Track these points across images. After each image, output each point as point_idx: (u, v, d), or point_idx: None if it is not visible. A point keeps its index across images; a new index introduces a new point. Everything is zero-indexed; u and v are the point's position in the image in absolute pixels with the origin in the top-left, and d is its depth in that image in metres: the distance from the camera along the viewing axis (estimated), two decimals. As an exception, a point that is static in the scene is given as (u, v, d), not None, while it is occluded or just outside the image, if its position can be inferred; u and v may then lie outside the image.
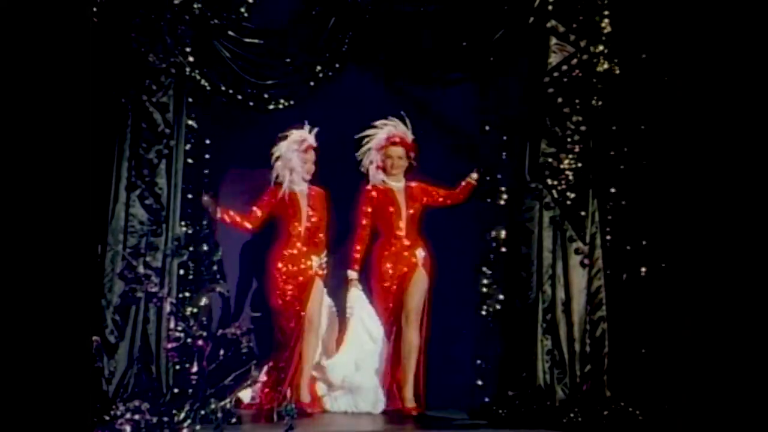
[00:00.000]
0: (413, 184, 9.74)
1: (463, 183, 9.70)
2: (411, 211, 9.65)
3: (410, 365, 9.40)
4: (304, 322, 9.21)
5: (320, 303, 9.35)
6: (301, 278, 9.33)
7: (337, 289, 9.63)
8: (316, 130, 9.38)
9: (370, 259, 9.65)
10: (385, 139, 9.64)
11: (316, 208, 9.49)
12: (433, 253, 9.66)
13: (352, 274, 9.58)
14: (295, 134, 9.38)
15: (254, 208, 9.38)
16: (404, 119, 9.63)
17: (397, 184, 9.68)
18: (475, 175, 9.66)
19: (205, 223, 8.79)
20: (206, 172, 8.94)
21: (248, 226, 9.39)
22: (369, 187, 9.68)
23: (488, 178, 9.59)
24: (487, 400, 9.26)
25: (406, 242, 9.60)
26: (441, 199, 9.77)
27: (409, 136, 9.66)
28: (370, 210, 9.64)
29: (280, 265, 9.35)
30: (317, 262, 9.39)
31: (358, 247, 9.60)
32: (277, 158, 9.39)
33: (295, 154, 9.37)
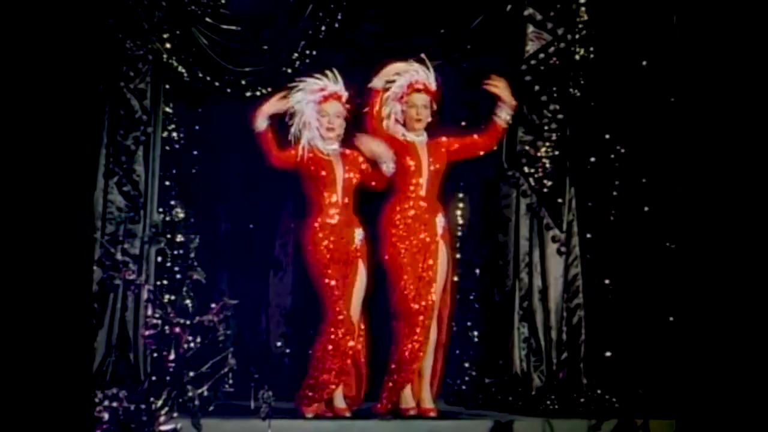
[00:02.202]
0: (436, 139, 8.50)
1: (492, 125, 8.53)
2: (433, 168, 8.37)
3: (428, 363, 8.31)
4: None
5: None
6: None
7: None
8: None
9: (378, 224, 8.40)
10: (407, 86, 8.39)
11: (352, 172, 8.27)
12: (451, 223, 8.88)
13: None
14: (311, 81, 8.32)
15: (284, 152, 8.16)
16: (425, 63, 8.49)
17: (419, 138, 8.43)
18: (504, 115, 8.49)
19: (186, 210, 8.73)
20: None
21: (273, 160, 8.19)
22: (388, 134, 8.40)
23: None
24: (464, 387, 9.28)
25: (424, 204, 8.35)
26: (466, 148, 8.52)
27: (433, 83, 8.47)
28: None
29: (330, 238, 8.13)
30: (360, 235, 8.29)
31: None
32: (292, 114, 8.29)
33: (309, 105, 8.26)
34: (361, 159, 8.31)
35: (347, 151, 8.31)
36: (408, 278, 8.17)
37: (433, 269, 8.26)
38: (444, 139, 8.50)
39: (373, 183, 8.36)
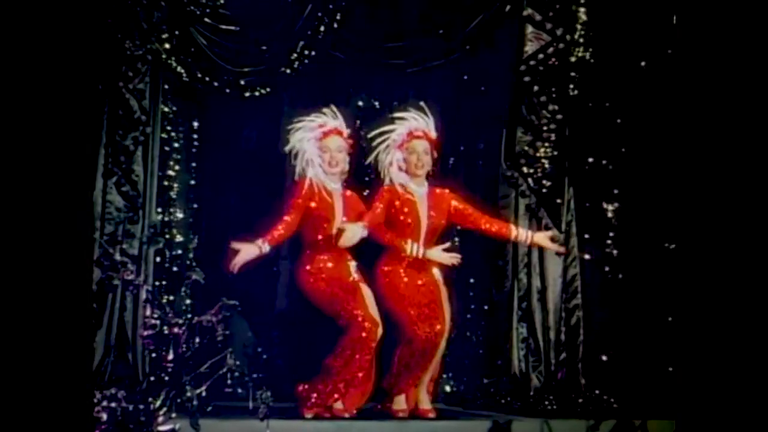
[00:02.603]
0: (439, 190, 8.50)
1: (507, 230, 8.56)
2: (433, 223, 8.35)
3: (432, 367, 8.33)
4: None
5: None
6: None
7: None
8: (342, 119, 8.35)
9: (374, 274, 8.38)
10: (407, 134, 8.39)
11: (351, 216, 8.26)
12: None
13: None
14: (309, 119, 8.35)
15: (284, 217, 8.15)
16: (424, 110, 8.49)
17: (420, 189, 8.39)
18: (532, 240, 8.60)
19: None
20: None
21: (284, 234, 8.17)
22: (386, 186, 8.39)
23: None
24: (462, 387, 9.29)
25: (419, 260, 8.32)
26: (472, 223, 8.50)
27: (432, 131, 8.47)
28: (381, 206, 8.29)
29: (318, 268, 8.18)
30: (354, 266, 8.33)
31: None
32: (296, 152, 8.34)
33: (310, 143, 8.29)
34: (360, 203, 8.39)
35: (348, 193, 8.38)
36: (412, 308, 8.16)
37: (436, 303, 8.25)
38: (448, 192, 8.50)
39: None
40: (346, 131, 8.34)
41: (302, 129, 8.31)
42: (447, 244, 8.42)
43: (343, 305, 8.03)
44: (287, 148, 8.38)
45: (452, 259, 8.38)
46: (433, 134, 8.43)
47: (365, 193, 8.72)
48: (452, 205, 8.45)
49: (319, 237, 8.20)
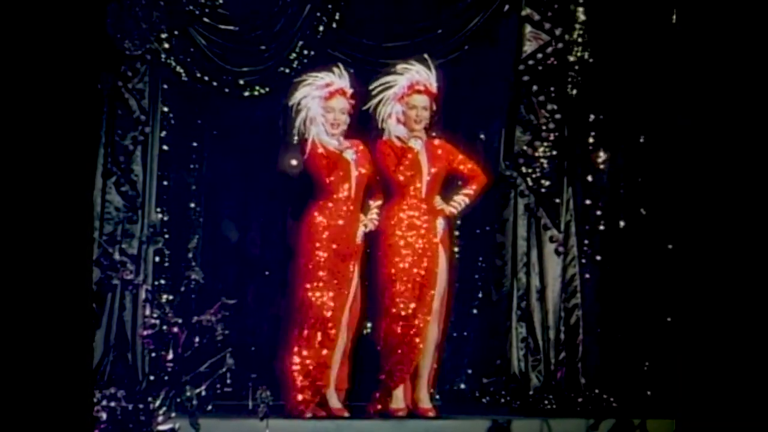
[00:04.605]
0: (437, 141, 8.46)
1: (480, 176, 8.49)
2: (434, 170, 8.29)
3: (427, 363, 8.27)
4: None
5: None
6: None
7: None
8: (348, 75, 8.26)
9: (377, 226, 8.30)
10: (407, 87, 8.28)
11: (364, 167, 8.20)
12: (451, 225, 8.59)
13: None
14: (316, 77, 8.25)
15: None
16: (428, 63, 8.37)
17: (418, 141, 8.28)
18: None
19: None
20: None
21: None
22: (384, 139, 8.35)
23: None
24: (462, 387, 9.28)
25: (424, 206, 8.27)
26: (465, 171, 8.45)
27: (434, 84, 8.34)
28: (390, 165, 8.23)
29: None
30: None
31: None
32: (298, 110, 8.23)
33: (315, 101, 8.19)
34: (367, 151, 8.30)
35: (361, 147, 8.27)
36: (405, 280, 8.13)
37: (431, 273, 8.19)
38: (445, 144, 8.45)
39: (378, 178, 8.32)
40: (350, 91, 8.22)
41: (308, 86, 8.22)
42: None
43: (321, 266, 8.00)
44: (290, 102, 8.26)
45: (451, 207, 8.32)
46: (434, 88, 8.31)
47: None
48: (451, 158, 8.39)
49: (336, 190, 8.10)
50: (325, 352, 8.02)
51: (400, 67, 8.35)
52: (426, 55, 8.40)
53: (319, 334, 8.01)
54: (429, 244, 8.21)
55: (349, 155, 8.16)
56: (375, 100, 8.30)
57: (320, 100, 8.15)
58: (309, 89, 8.19)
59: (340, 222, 8.10)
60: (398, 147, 8.27)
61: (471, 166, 8.46)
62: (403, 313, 8.11)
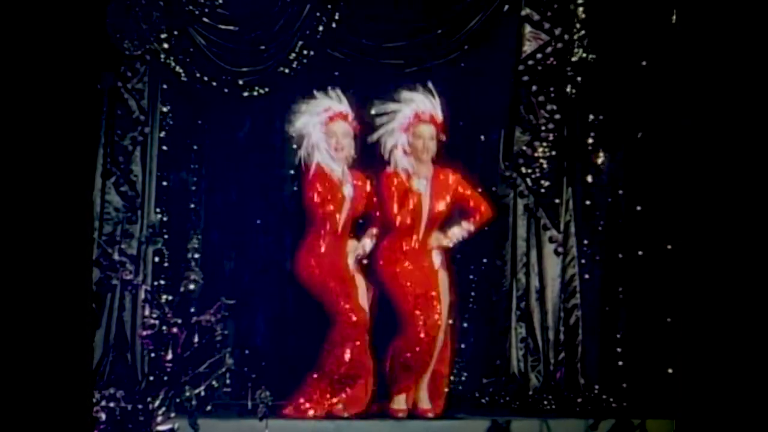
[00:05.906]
0: (443, 174, 8.39)
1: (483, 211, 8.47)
2: (437, 210, 8.26)
3: (431, 361, 8.27)
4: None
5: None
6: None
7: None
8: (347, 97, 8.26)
9: (375, 257, 8.38)
10: (413, 116, 8.22)
11: (359, 199, 8.22)
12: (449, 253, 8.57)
13: None
14: (316, 102, 8.25)
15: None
16: (431, 91, 8.32)
17: (422, 182, 8.23)
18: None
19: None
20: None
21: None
22: (389, 172, 8.27)
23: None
24: (461, 387, 9.28)
25: (421, 242, 8.27)
26: (471, 204, 8.41)
27: (439, 114, 8.29)
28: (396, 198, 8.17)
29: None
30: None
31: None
32: (300, 138, 8.25)
33: (316, 127, 8.17)
34: (368, 187, 8.32)
35: (359, 183, 8.29)
36: (409, 298, 8.16)
37: (436, 293, 8.22)
38: (454, 174, 8.41)
39: (377, 213, 8.36)
40: (351, 115, 8.21)
41: (307, 113, 8.23)
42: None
43: (333, 296, 8.04)
44: (291, 132, 8.31)
45: (449, 240, 8.35)
46: (440, 117, 8.28)
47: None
48: (457, 191, 8.37)
49: (328, 221, 8.11)
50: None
51: (403, 96, 8.30)
52: (429, 83, 8.34)
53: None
54: (430, 271, 8.29)
55: (347, 191, 8.16)
56: (380, 131, 8.25)
57: (321, 126, 8.15)
58: (308, 117, 8.20)
59: (328, 259, 8.12)
60: (402, 187, 8.22)
61: (476, 200, 8.47)
62: (410, 330, 8.14)
